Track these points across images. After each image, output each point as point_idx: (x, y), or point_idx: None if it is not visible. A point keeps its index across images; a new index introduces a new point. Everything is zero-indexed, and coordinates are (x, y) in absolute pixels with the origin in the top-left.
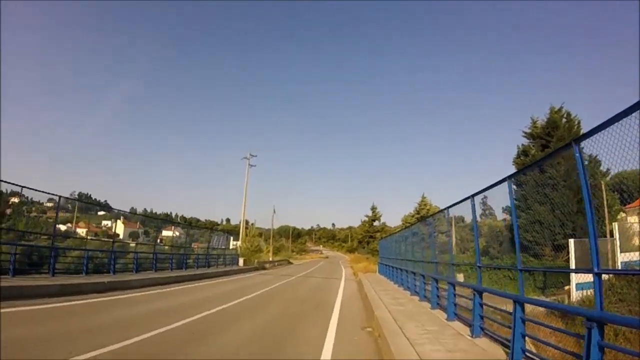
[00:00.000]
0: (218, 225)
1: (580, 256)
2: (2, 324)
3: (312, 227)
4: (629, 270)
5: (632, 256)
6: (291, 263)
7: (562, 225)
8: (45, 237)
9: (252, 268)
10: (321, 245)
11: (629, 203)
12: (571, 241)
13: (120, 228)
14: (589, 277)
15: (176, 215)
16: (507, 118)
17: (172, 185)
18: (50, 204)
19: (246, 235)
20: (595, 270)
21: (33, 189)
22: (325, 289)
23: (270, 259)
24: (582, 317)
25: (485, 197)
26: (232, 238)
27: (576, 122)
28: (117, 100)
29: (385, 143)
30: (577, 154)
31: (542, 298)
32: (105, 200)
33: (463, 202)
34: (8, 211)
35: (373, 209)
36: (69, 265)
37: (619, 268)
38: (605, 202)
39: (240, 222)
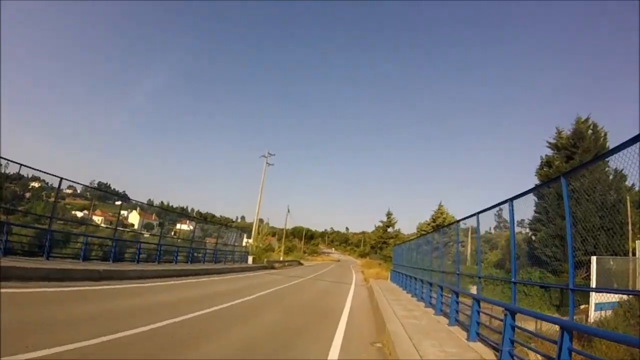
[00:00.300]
0: (233, 222)
1: (599, 275)
2: None
3: (325, 229)
4: None
5: None
6: (302, 264)
7: (583, 241)
8: (62, 222)
9: (261, 267)
10: (333, 248)
11: None
12: (593, 258)
13: (135, 218)
14: (608, 297)
15: (192, 210)
16: (529, 128)
17: (191, 181)
18: (69, 191)
19: (258, 233)
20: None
21: (49, 173)
22: (334, 294)
23: (281, 258)
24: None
25: (500, 209)
26: (245, 235)
27: (602, 134)
28: (144, 93)
29: (405, 150)
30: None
31: (557, 315)
32: (124, 191)
33: (483, 213)
34: (27, 195)
35: (388, 214)
36: (77, 251)
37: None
38: (629, 219)
39: (254, 220)
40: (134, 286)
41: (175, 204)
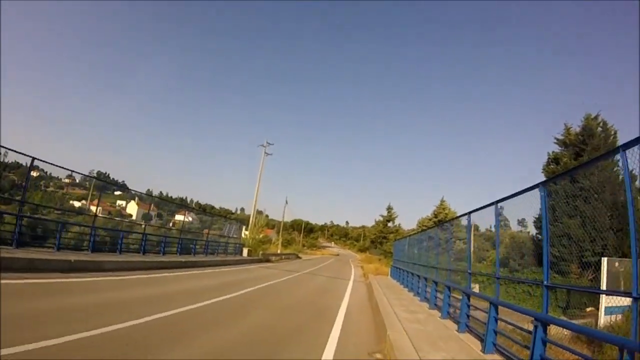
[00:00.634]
0: (232, 214)
1: (609, 277)
2: None
3: (325, 223)
4: None
5: None
6: (299, 257)
7: (592, 241)
8: (59, 212)
9: (256, 260)
10: (333, 242)
11: None
12: (604, 260)
13: (133, 208)
14: (620, 301)
15: (191, 201)
16: (536, 124)
17: (192, 172)
18: (67, 180)
19: (255, 225)
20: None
21: (52, 164)
22: (330, 291)
23: (279, 251)
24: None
25: (501, 207)
26: (244, 228)
27: (612, 132)
28: (145, 84)
29: (408, 145)
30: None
31: (564, 318)
32: (123, 181)
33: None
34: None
35: (389, 209)
36: (69, 241)
37: None
38: None
39: (253, 212)
40: (105, 279)
41: (175, 194)
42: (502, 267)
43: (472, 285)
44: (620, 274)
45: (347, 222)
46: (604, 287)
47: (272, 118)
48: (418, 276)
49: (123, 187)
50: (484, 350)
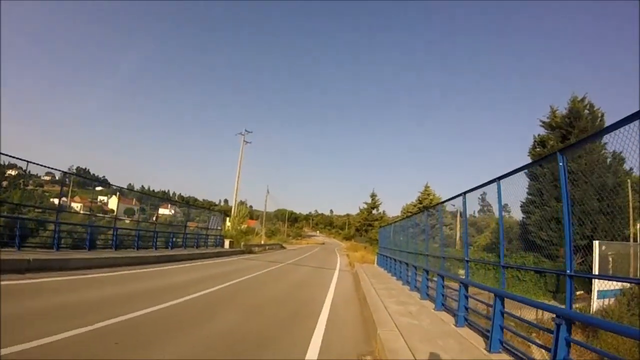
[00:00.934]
0: (215, 205)
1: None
2: None
3: (310, 212)
4: None
5: None
6: (284, 248)
7: (580, 224)
8: (40, 210)
9: (238, 251)
10: (318, 231)
11: None
12: (596, 243)
13: (114, 203)
14: (611, 285)
15: (174, 194)
16: (518, 109)
17: (173, 165)
18: (47, 178)
19: (237, 215)
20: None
21: (34, 163)
22: (314, 283)
23: (262, 242)
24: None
25: (484, 193)
26: (228, 219)
27: (599, 115)
28: (121, 77)
29: (390, 133)
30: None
31: (554, 303)
32: (104, 176)
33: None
34: (4, 183)
35: (372, 196)
36: (45, 239)
37: None
38: (630, 203)
39: (234, 201)
40: (61, 279)
41: (157, 188)
42: (490, 252)
43: (459, 271)
44: (609, 256)
45: (331, 211)
46: (595, 271)
47: (253, 109)
48: (406, 264)
49: (104, 182)
50: (488, 349)
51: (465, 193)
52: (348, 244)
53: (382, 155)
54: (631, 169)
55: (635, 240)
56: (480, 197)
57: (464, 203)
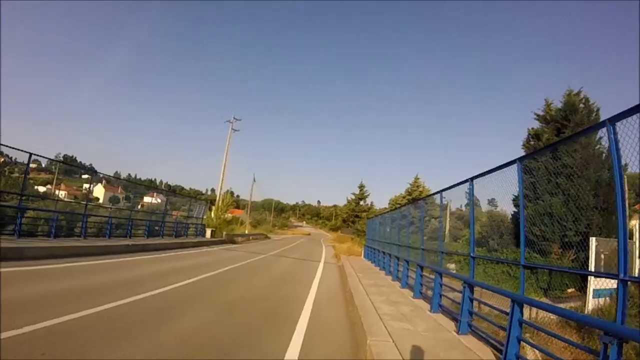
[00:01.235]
0: (202, 194)
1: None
2: None
3: (297, 202)
4: None
5: None
6: (268, 238)
7: (575, 220)
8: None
9: (219, 241)
10: (304, 222)
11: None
12: (592, 239)
13: (100, 191)
14: (606, 284)
15: (160, 182)
16: (514, 101)
17: (161, 154)
18: (33, 165)
19: (221, 203)
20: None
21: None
22: (297, 277)
23: (247, 231)
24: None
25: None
26: (213, 207)
27: (595, 109)
28: (111, 66)
29: (379, 125)
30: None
31: (545, 300)
32: (91, 164)
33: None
34: None
35: (361, 187)
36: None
37: (637, 275)
38: (627, 199)
39: (219, 189)
40: (8, 270)
41: (144, 176)
42: (480, 247)
43: (449, 265)
44: (601, 254)
45: (318, 202)
46: (592, 268)
47: (242, 99)
48: (397, 257)
49: (91, 170)
50: None
51: (472, 179)
52: (335, 235)
53: (370, 148)
54: (626, 164)
55: (630, 238)
56: (466, 191)
57: (471, 192)
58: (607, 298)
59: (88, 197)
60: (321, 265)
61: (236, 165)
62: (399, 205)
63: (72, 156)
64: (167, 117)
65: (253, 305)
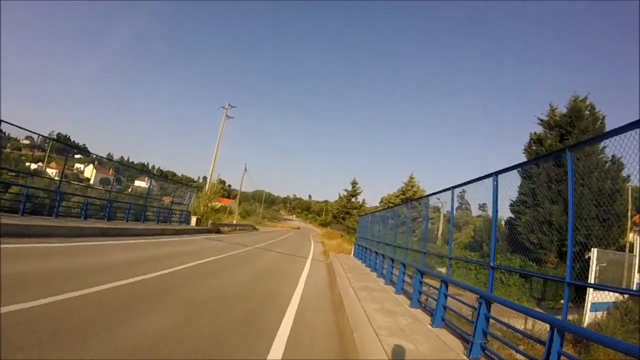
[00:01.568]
0: (194, 182)
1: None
2: None
3: (288, 195)
4: None
5: None
6: (256, 229)
7: (574, 229)
8: (12, 173)
9: (204, 230)
10: (294, 216)
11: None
12: (594, 250)
13: (91, 172)
14: (605, 297)
15: (153, 167)
16: (513, 105)
17: (156, 139)
18: (27, 142)
19: (209, 190)
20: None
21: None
22: (281, 274)
23: (234, 221)
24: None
25: (463, 190)
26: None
27: (600, 117)
28: (111, 48)
29: (375, 124)
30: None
31: (539, 310)
32: (84, 144)
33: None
34: None
35: (353, 184)
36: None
37: (635, 289)
38: (630, 211)
39: (210, 175)
40: None
41: (137, 160)
42: (474, 252)
43: (440, 269)
44: (598, 265)
45: (309, 196)
46: (591, 280)
47: (240, 92)
48: (391, 259)
49: (84, 150)
50: None
51: (453, 188)
52: (324, 230)
53: (365, 146)
54: (629, 175)
55: (631, 251)
56: (459, 194)
57: (495, 183)
58: (605, 312)
59: (62, 172)
60: (308, 261)
61: (229, 156)
62: (391, 204)
63: (66, 135)
64: (163, 104)
65: (230, 307)
